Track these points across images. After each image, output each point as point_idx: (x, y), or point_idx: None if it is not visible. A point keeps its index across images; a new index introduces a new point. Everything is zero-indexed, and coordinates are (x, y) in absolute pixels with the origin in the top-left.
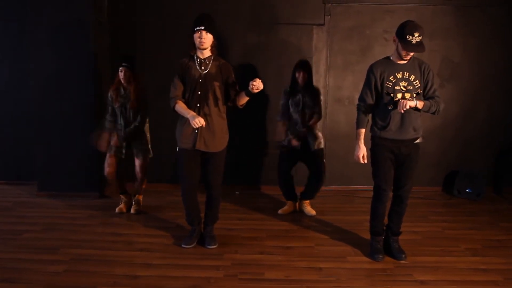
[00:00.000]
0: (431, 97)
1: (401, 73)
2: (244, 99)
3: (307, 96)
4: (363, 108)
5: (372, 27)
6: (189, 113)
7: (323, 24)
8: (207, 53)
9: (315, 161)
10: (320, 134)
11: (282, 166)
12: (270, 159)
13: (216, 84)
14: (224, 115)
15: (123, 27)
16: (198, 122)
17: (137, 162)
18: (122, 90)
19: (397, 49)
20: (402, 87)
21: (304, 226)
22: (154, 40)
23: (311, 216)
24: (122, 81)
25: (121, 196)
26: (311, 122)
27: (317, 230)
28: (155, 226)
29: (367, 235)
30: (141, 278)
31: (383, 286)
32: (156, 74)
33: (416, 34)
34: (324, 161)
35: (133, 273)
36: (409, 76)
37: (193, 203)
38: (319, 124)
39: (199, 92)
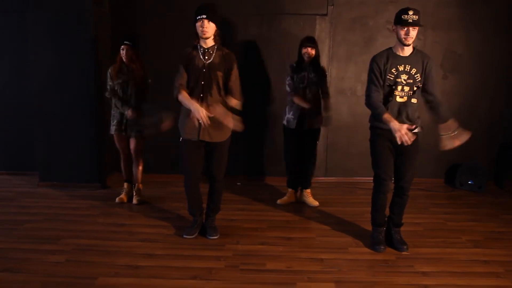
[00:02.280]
0: (432, 101)
1: (403, 65)
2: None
3: (313, 73)
4: (374, 99)
5: (375, 18)
6: (192, 104)
7: (326, 15)
8: (210, 42)
9: (306, 141)
10: (319, 114)
11: (287, 148)
12: (272, 150)
13: (220, 74)
14: (228, 105)
15: (124, 19)
16: (203, 117)
17: (132, 143)
18: (124, 67)
19: (397, 37)
20: (403, 80)
21: (305, 217)
22: (155, 32)
23: (313, 207)
24: (124, 59)
25: (125, 185)
26: (325, 106)
27: (319, 221)
28: (156, 217)
29: (368, 226)
30: (143, 268)
31: (384, 277)
32: (158, 66)
33: (411, 12)
34: (318, 142)
35: (135, 263)
36: (410, 69)
37: (195, 194)
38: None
39: (202, 82)
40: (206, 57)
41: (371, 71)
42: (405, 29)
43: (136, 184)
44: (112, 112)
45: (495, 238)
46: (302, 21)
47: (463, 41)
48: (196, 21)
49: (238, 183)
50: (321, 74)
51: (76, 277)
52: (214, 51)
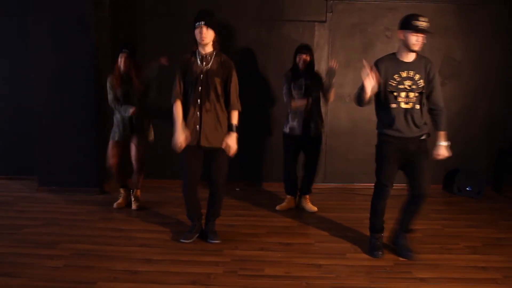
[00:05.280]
0: (435, 109)
1: (406, 71)
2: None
3: (309, 80)
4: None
5: (374, 24)
6: (177, 125)
7: (325, 21)
8: (208, 48)
9: (312, 147)
10: (321, 120)
11: (286, 156)
12: (271, 156)
13: (218, 80)
14: (224, 112)
15: (124, 23)
16: (178, 144)
17: (133, 149)
18: (124, 76)
19: (404, 42)
20: (406, 86)
21: (304, 223)
22: (155, 36)
23: (312, 213)
24: (122, 68)
25: (121, 190)
26: (330, 98)
27: (317, 227)
28: (155, 222)
29: (367, 232)
30: (141, 273)
31: (383, 284)
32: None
33: (422, 19)
34: (321, 149)
35: (133, 269)
36: (414, 75)
37: (194, 198)
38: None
39: (200, 88)
40: (204, 63)
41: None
42: (417, 35)
43: (135, 191)
44: (114, 118)
45: (494, 244)
46: (301, 28)
47: (461, 47)
48: (195, 27)
49: (237, 189)
50: (318, 78)
51: (75, 282)
52: (213, 57)
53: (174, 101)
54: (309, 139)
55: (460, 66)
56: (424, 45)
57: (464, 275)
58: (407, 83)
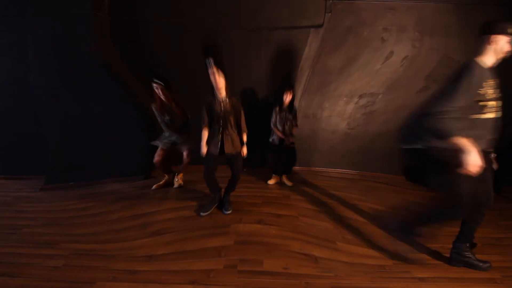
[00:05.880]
0: None
1: (492, 79)
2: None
3: (289, 113)
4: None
5: (372, 26)
6: (203, 141)
7: (321, 25)
8: (223, 93)
9: (290, 152)
10: (292, 137)
11: (273, 155)
12: (266, 149)
13: (231, 118)
14: (237, 133)
15: (124, 23)
16: (202, 152)
17: (185, 152)
18: (166, 106)
19: (495, 48)
20: (492, 95)
21: (286, 194)
22: (155, 36)
23: (290, 186)
24: (164, 100)
25: (166, 175)
26: (293, 132)
27: (296, 199)
28: (184, 198)
29: (333, 205)
30: (140, 273)
31: (382, 283)
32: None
33: None
34: (295, 152)
35: (133, 268)
36: (495, 82)
37: (212, 180)
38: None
39: (221, 122)
40: (222, 105)
41: (463, 80)
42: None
43: (179, 174)
44: (163, 128)
45: (492, 244)
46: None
47: (460, 47)
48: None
49: (244, 169)
50: (295, 113)
51: (74, 281)
52: (227, 101)
53: (203, 128)
54: (286, 147)
55: (458, 66)
56: (422, 45)
57: (463, 275)
58: (490, 91)
